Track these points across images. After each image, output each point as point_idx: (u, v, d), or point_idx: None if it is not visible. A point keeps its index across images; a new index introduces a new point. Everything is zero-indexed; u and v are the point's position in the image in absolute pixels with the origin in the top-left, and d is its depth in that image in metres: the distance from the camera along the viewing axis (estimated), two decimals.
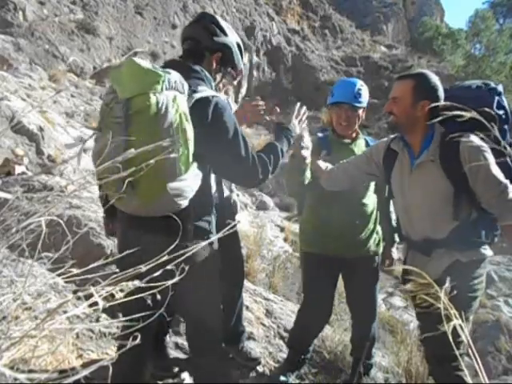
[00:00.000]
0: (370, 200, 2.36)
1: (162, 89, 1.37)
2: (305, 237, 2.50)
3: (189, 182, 1.44)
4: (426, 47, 25.50)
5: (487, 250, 1.84)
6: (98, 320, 1.72)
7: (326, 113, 18.35)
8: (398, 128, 1.90)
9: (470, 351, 0.69)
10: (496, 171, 1.71)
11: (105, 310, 0.76)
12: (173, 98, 1.38)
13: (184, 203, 1.44)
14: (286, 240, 7.19)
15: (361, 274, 2.34)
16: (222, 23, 1.74)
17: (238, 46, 1.81)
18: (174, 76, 1.43)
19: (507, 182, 1.71)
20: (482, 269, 1.84)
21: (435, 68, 22.52)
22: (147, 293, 0.82)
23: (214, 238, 1.50)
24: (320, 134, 2.45)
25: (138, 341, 0.70)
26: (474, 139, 1.74)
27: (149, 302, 1.31)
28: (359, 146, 2.39)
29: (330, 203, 2.28)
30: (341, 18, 26.96)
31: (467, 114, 0.82)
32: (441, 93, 1.85)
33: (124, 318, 0.81)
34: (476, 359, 0.70)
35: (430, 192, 1.81)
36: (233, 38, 1.74)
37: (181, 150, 1.38)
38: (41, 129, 5.85)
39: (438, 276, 1.68)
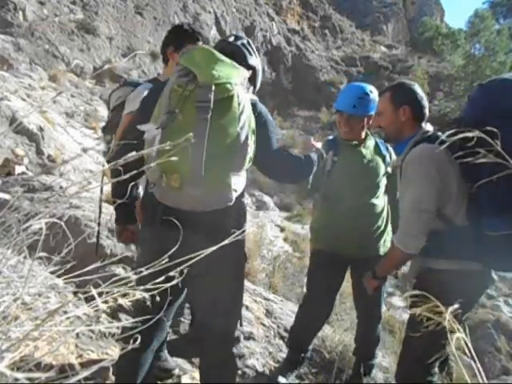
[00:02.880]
0: (380, 200, 2.38)
1: (238, 82, 1.41)
2: (316, 234, 2.52)
3: (242, 179, 1.47)
4: (425, 47, 25.49)
5: (466, 262, 1.69)
6: (98, 320, 1.72)
7: (325, 113, 18.36)
8: (388, 139, 2.00)
9: (467, 352, 0.69)
10: (413, 190, 1.70)
11: (105, 311, 0.76)
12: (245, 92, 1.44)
13: (234, 199, 1.44)
14: (285, 240, 7.19)
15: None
16: (253, 46, 1.77)
17: (263, 69, 1.90)
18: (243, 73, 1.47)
19: (418, 205, 1.68)
20: (463, 281, 1.67)
21: (435, 68, 22.53)
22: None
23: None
24: (330, 137, 2.52)
25: (138, 343, 0.70)
26: (418, 150, 1.73)
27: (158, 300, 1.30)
28: (368, 148, 2.40)
29: (341, 202, 2.30)
30: (341, 17, 26.97)
31: (471, 134, 0.82)
32: (420, 95, 1.89)
33: (128, 321, 0.81)
34: (474, 360, 0.70)
35: (400, 197, 1.83)
36: (260, 61, 1.79)
37: (249, 144, 1.42)
38: (41, 129, 5.85)
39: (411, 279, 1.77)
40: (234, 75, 1.40)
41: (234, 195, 1.42)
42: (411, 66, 22.01)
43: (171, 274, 0.87)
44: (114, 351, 2.03)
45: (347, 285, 4.25)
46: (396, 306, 6.99)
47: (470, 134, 0.81)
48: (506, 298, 7.59)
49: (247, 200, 8.85)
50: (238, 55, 1.63)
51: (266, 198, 9.44)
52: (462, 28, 23.64)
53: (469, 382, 0.78)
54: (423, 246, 1.70)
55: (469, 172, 1.62)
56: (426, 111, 1.87)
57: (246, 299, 3.08)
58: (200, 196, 1.37)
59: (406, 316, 6.34)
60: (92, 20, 12.47)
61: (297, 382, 2.47)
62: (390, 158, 2.43)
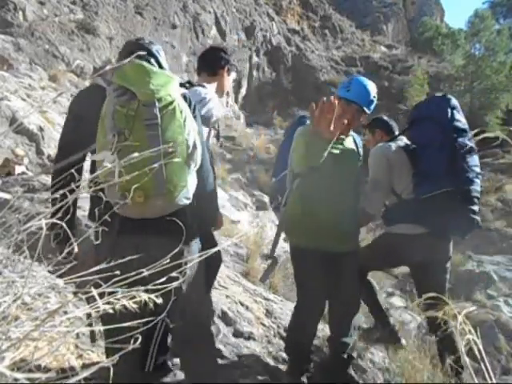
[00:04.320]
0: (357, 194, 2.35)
1: (175, 90, 1.47)
2: (295, 229, 2.30)
3: (194, 176, 1.55)
4: (425, 47, 25.50)
5: (412, 226, 2.41)
6: (98, 321, 1.72)
7: None
8: None
9: (477, 353, 0.69)
10: (372, 176, 2.49)
11: (106, 311, 0.76)
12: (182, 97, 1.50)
13: (191, 196, 1.53)
14: (286, 240, 7.18)
15: (350, 268, 2.27)
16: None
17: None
18: (178, 80, 1.53)
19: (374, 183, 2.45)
20: (410, 242, 2.42)
21: (435, 68, 22.54)
22: (153, 295, 0.82)
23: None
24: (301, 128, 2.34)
25: (138, 344, 0.70)
26: (375, 148, 2.59)
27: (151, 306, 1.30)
28: (348, 142, 2.32)
29: (323, 193, 2.15)
30: (341, 17, 26.97)
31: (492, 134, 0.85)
32: (384, 122, 2.91)
33: (127, 324, 0.81)
34: (484, 361, 0.70)
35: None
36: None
37: (197, 145, 1.53)
38: (41, 129, 5.85)
39: None
40: (170, 84, 1.46)
41: (191, 193, 1.53)
42: (411, 65, 22.01)
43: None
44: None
45: None
46: (396, 306, 7.00)
47: (490, 135, 0.82)
48: (505, 298, 7.59)
49: (247, 200, 8.85)
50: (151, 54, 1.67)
51: (266, 198, 9.44)
52: (462, 28, 23.66)
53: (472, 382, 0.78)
54: (384, 217, 2.58)
55: (411, 158, 2.44)
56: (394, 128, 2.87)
57: (246, 299, 3.08)
58: (163, 204, 1.46)
59: (405, 316, 6.35)
60: (92, 20, 12.46)
61: (298, 381, 2.47)
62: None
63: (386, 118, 2.92)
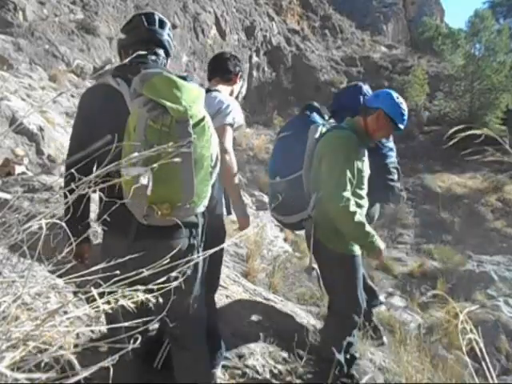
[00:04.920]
0: None
1: (202, 103, 1.50)
2: (338, 236, 2.28)
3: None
4: (426, 47, 25.48)
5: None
6: (98, 321, 1.72)
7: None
8: None
9: (478, 352, 0.69)
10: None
11: (106, 311, 0.76)
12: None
13: (205, 207, 1.65)
14: (285, 240, 7.19)
15: None
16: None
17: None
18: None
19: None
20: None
21: (435, 68, 22.53)
22: (153, 294, 0.82)
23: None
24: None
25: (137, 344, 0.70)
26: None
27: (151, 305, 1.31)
28: None
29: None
30: (341, 17, 26.96)
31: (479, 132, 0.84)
32: (316, 108, 2.90)
33: (128, 322, 0.81)
34: (485, 360, 0.70)
35: None
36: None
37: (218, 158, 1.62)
38: (41, 129, 5.85)
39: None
40: (200, 99, 1.46)
41: (208, 201, 1.58)
42: (411, 66, 22.00)
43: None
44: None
45: None
46: (396, 306, 6.99)
47: (477, 132, 0.82)
48: (505, 298, 7.59)
49: (247, 200, 8.85)
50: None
51: (266, 198, 9.44)
52: (462, 28, 23.61)
53: (469, 381, 0.78)
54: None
55: None
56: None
57: (247, 299, 3.08)
58: (184, 214, 1.49)
59: (405, 316, 6.35)
60: (92, 20, 12.46)
61: (298, 381, 2.47)
62: None
63: (317, 104, 2.95)
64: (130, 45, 1.66)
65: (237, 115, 2.12)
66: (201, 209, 1.55)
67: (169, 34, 1.72)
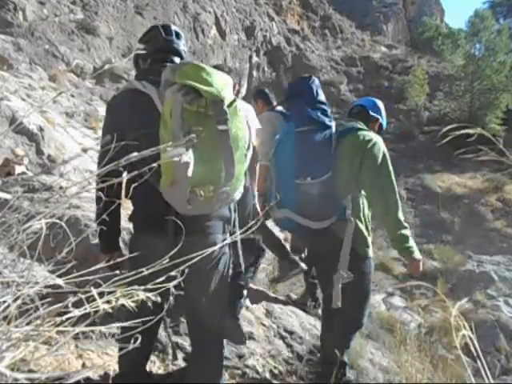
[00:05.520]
0: None
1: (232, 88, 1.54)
2: (366, 240, 2.31)
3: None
4: (426, 47, 25.50)
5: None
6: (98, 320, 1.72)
7: None
8: None
9: (473, 350, 0.69)
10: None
11: (106, 311, 0.76)
12: None
13: (241, 193, 1.66)
14: (285, 240, 7.18)
15: None
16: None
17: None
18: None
19: None
20: None
21: (435, 68, 22.54)
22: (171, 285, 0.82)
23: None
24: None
25: (138, 343, 0.70)
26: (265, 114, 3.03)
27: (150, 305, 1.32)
28: None
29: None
30: (341, 17, 26.96)
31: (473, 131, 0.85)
32: (265, 93, 3.51)
33: (128, 321, 0.81)
34: (480, 358, 0.70)
35: None
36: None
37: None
38: (41, 129, 5.85)
39: None
40: (229, 85, 1.50)
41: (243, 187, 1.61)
42: (411, 66, 22.01)
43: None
44: (114, 351, 2.03)
45: None
46: (396, 306, 7.00)
47: (470, 131, 0.82)
48: (505, 297, 7.59)
49: None
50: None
51: None
52: (462, 28, 23.61)
53: (469, 381, 0.78)
54: None
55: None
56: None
57: (247, 299, 3.08)
58: (226, 197, 1.50)
59: (405, 316, 6.35)
60: (92, 20, 12.46)
61: (299, 382, 2.47)
62: None
63: (266, 90, 3.42)
64: (149, 54, 1.73)
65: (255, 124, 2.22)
66: (237, 195, 1.57)
67: (184, 44, 1.84)
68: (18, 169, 4.34)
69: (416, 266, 2.22)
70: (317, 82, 2.84)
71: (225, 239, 1.59)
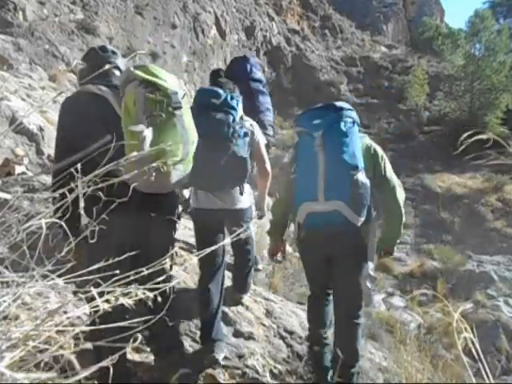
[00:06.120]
0: None
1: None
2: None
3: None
4: (426, 47, 25.47)
5: None
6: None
7: None
8: None
9: (474, 351, 0.69)
10: None
11: (106, 311, 0.76)
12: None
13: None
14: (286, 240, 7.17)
15: None
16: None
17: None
18: None
19: None
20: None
21: (435, 68, 22.53)
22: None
23: None
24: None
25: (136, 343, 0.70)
26: None
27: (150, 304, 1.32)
28: None
29: None
30: (341, 17, 26.95)
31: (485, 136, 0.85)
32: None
33: (128, 321, 0.81)
34: (481, 360, 0.70)
35: None
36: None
37: None
38: (41, 129, 5.85)
39: None
40: (176, 83, 1.86)
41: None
42: (411, 66, 22.00)
43: None
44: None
45: None
46: (396, 306, 6.99)
47: (483, 137, 0.82)
48: (505, 297, 7.58)
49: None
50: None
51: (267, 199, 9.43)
52: (462, 28, 23.57)
53: (469, 382, 0.78)
54: None
55: None
56: None
57: (246, 299, 3.08)
58: (180, 174, 1.81)
59: (405, 316, 6.35)
60: (92, 20, 12.46)
61: (299, 382, 2.47)
62: None
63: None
64: (89, 69, 1.93)
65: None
66: (187, 174, 1.88)
67: (122, 60, 2.08)
68: (18, 169, 4.34)
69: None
70: (252, 60, 3.17)
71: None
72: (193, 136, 1.85)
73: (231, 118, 2.36)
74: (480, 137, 0.85)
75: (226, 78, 2.80)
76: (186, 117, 1.81)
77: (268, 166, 2.73)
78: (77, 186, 0.89)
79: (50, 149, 5.78)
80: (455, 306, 0.79)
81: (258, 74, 3.11)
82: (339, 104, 2.29)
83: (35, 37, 10.50)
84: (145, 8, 14.70)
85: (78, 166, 0.90)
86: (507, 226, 11.54)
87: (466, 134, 0.95)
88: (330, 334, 2.41)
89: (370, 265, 2.17)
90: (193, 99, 2.48)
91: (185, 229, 4.13)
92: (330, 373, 2.31)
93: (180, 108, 1.76)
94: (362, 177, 2.13)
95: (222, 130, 2.32)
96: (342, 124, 2.19)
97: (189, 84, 14.93)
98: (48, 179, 3.93)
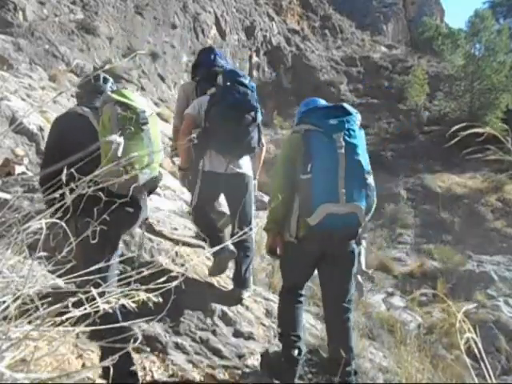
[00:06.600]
0: None
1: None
2: None
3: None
4: (425, 47, 25.47)
5: None
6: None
7: None
8: None
9: (476, 351, 0.69)
10: None
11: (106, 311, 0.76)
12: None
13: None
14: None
15: None
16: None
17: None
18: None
19: None
20: None
21: (435, 68, 22.53)
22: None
23: None
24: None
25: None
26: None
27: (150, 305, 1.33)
28: None
29: None
30: (341, 17, 26.96)
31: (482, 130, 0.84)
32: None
33: (126, 323, 0.81)
34: (483, 360, 0.70)
35: None
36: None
37: None
38: (41, 129, 5.85)
39: None
40: (146, 103, 2.35)
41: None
42: (411, 66, 22.00)
43: None
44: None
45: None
46: (396, 306, 7.00)
47: (480, 130, 0.82)
48: (505, 297, 7.59)
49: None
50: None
51: (266, 198, 9.45)
52: (462, 28, 23.58)
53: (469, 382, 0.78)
54: None
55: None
56: None
57: (246, 299, 3.08)
58: (148, 177, 2.22)
59: (405, 316, 6.35)
60: (92, 20, 12.46)
61: (298, 382, 2.47)
62: None
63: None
64: (84, 94, 2.48)
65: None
66: (152, 178, 2.28)
67: (112, 85, 2.50)
68: (18, 169, 4.34)
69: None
70: (217, 51, 3.51)
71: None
72: (158, 146, 2.30)
73: (254, 94, 2.98)
74: (476, 130, 0.85)
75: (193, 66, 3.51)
76: (153, 130, 2.24)
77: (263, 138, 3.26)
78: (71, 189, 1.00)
79: None
80: (457, 305, 0.79)
81: (222, 62, 3.41)
82: (348, 107, 2.32)
83: (35, 37, 10.50)
84: (145, 8, 14.71)
85: (63, 174, 1.01)
86: (507, 226, 11.54)
87: (458, 126, 0.94)
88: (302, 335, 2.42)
89: (363, 260, 2.33)
90: (221, 77, 3.01)
91: (185, 229, 4.13)
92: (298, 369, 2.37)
93: (147, 123, 2.18)
94: (371, 180, 2.25)
95: (251, 100, 2.91)
96: (357, 128, 2.25)
97: None
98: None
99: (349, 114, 2.27)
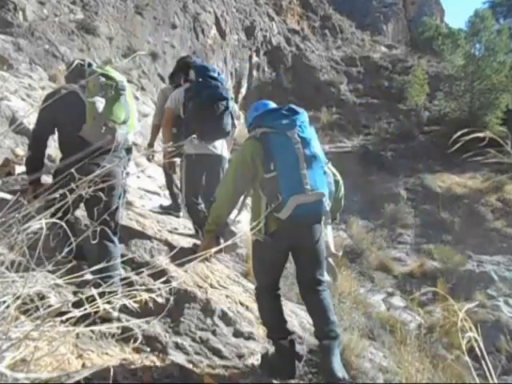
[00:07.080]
0: None
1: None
2: None
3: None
4: (425, 47, 25.44)
5: None
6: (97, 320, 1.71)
7: (325, 113, 18.34)
8: None
9: (478, 351, 0.69)
10: None
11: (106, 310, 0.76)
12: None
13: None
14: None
15: None
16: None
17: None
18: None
19: None
20: None
21: (435, 68, 22.52)
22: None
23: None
24: None
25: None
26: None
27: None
28: None
29: None
30: (341, 17, 26.94)
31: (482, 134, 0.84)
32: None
33: (129, 322, 0.81)
34: (485, 359, 0.70)
35: None
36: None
37: None
38: None
39: None
40: (123, 77, 2.84)
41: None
42: (411, 66, 21.98)
43: None
44: (114, 351, 2.03)
45: (345, 284, 4.25)
46: (396, 306, 7.00)
47: (481, 135, 0.82)
48: (505, 297, 7.59)
49: (247, 200, 8.84)
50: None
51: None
52: (462, 28, 23.55)
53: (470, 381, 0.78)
54: None
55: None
56: None
57: (246, 299, 3.08)
58: (125, 133, 2.76)
59: (405, 316, 6.35)
60: (92, 20, 12.45)
61: (296, 381, 2.47)
62: None
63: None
64: (71, 77, 2.90)
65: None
66: (132, 137, 2.91)
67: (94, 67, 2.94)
68: (18, 169, 4.33)
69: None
70: (193, 57, 4.04)
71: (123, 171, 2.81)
72: (133, 111, 2.86)
73: (225, 86, 3.46)
74: (477, 135, 0.85)
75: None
76: (129, 98, 2.81)
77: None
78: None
79: (49, 149, 5.77)
80: (459, 305, 0.79)
81: (199, 59, 4.12)
82: (296, 107, 2.55)
83: (35, 37, 10.50)
84: (145, 8, 14.70)
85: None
86: (507, 226, 11.53)
87: (460, 132, 0.94)
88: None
89: (331, 243, 2.55)
90: (196, 73, 3.49)
91: (185, 228, 4.14)
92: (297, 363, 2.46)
93: (124, 90, 2.74)
94: (327, 169, 2.60)
95: (222, 92, 3.42)
96: (307, 124, 2.50)
97: None
98: (48, 179, 3.93)
99: (297, 113, 2.50)
